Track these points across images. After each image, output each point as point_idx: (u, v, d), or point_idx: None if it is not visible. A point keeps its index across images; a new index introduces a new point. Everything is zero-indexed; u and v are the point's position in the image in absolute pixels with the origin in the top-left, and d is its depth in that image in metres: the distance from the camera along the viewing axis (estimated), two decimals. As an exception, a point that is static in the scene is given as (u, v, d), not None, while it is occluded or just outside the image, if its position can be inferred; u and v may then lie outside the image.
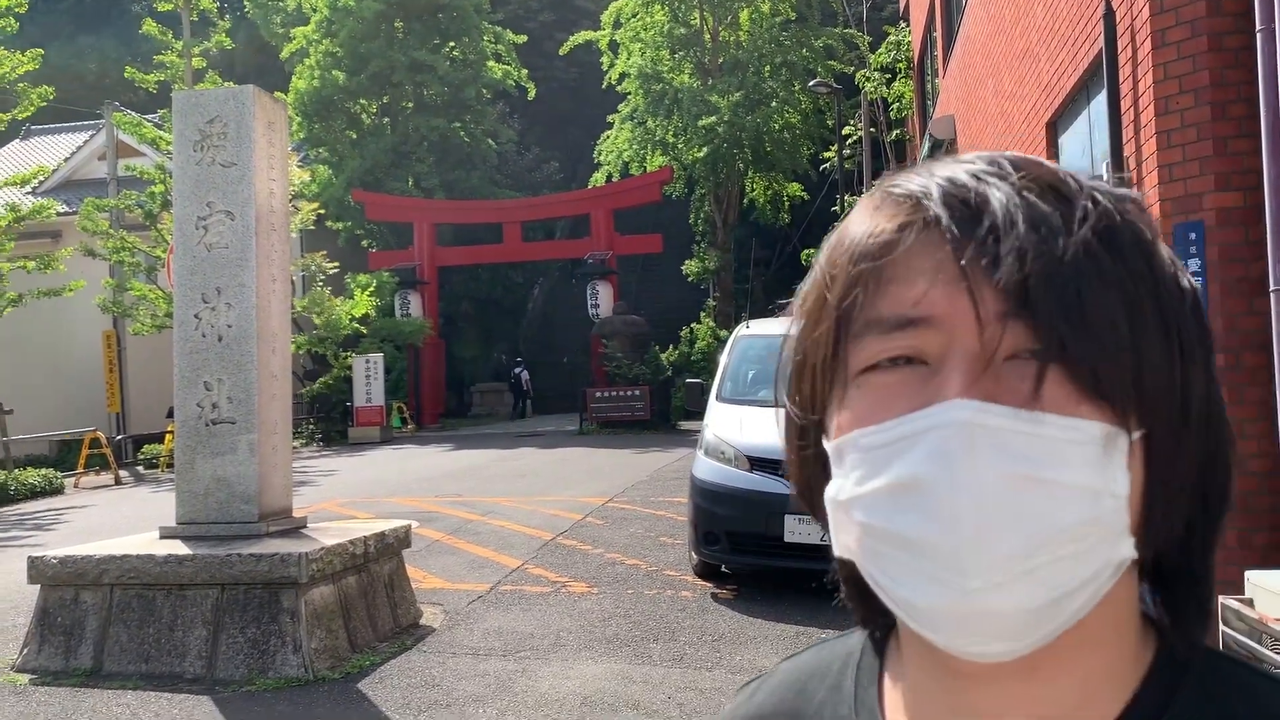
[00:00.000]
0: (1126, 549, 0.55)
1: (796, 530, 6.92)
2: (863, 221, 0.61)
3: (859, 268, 0.59)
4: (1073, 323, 0.53)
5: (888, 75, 21.07)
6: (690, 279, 31.70)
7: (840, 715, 0.68)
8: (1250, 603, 4.48)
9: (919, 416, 0.55)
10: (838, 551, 0.62)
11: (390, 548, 6.85)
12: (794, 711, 0.72)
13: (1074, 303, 0.53)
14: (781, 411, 0.68)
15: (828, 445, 0.61)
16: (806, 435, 0.65)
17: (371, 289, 25.04)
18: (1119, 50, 5.69)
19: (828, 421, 0.62)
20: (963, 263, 0.55)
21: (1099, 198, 0.58)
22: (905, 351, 0.57)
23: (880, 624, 0.69)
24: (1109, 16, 5.71)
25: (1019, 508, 0.52)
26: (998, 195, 0.56)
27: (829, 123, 28.43)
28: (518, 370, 33.71)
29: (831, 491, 0.60)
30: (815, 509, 0.66)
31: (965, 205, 0.56)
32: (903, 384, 0.57)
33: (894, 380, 0.58)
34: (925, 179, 0.60)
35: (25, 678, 5.79)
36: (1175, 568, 0.61)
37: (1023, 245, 0.54)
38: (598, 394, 24.17)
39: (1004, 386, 0.54)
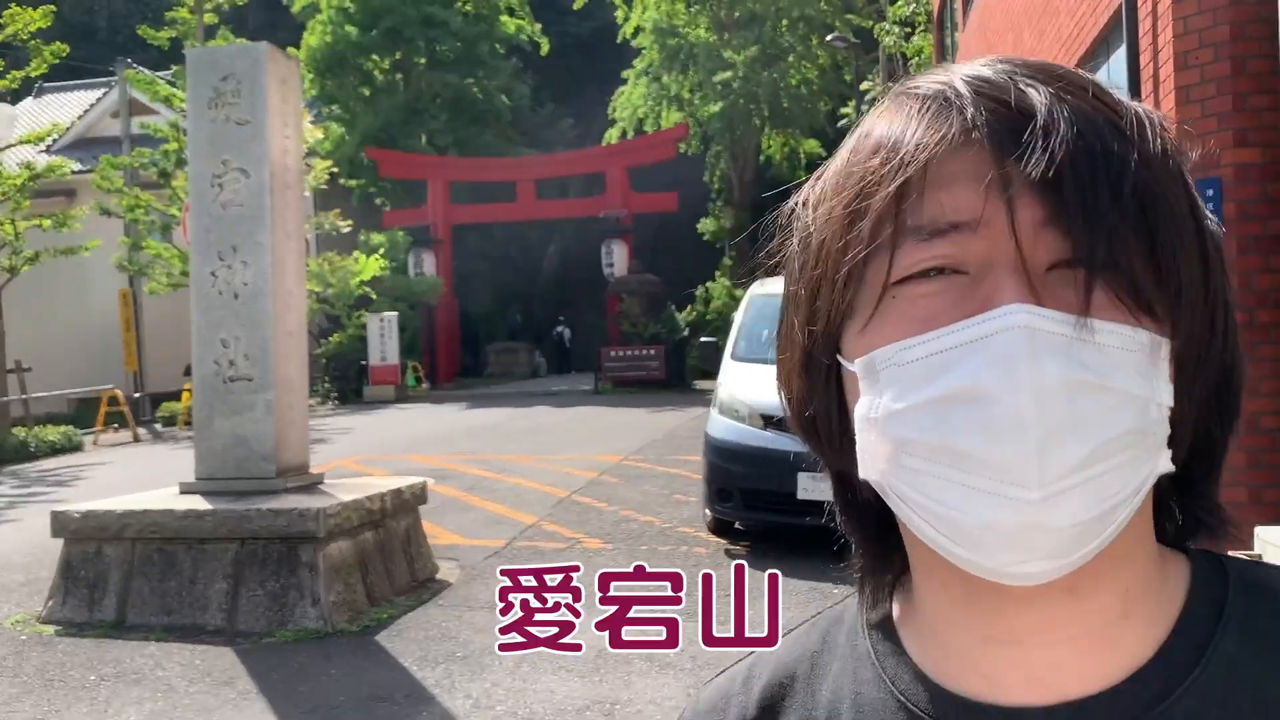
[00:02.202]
0: (1165, 461, 0.55)
1: (810, 487, 6.95)
2: (888, 124, 0.59)
3: (889, 170, 0.56)
4: (1122, 232, 0.53)
5: (906, 29, 20.81)
6: (706, 238, 31.60)
7: (860, 669, 0.65)
8: (1260, 558, 4.50)
9: (973, 323, 0.53)
10: (863, 474, 0.59)
11: (407, 504, 6.92)
12: (805, 677, 0.68)
13: (1124, 211, 0.53)
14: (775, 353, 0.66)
15: (852, 364, 0.59)
16: (814, 360, 0.62)
17: (382, 251, 25.02)
18: (1139, 3, 5.61)
19: (849, 339, 0.59)
20: (1005, 167, 0.53)
21: (1137, 108, 0.57)
22: (944, 260, 0.55)
23: (884, 570, 0.67)
24: (1130, -31, 5.63)
25: (1080, 414, 0.51)
26: (1037, 96, 0.54)
27: (847, 78, 28.17)
28: (560, 329, 33.89)
29: (863, 409, 0.57)
30: (820, 441, 0.64)
31: (1003, 105, 0.55)
32: (943, 294, 0.55)
33: (933, 290, 0.55)
34: (948, 77, 0.58)
35: (51, 629, 5.91)
36: (1182, 482, 0.60)
37: (1071, 148, 0.53)
38: (612, 353, 24.21)
39: (1052, 294, 0.53)
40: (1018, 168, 0.53)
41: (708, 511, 7.82)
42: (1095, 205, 0.52)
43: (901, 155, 0.56)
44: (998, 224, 0.54)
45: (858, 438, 0.58)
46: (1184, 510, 0.62)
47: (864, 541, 0.66)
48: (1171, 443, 0.56)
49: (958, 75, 0.58)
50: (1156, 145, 0.55)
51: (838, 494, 0.66)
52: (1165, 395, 0.54)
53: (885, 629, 0.66)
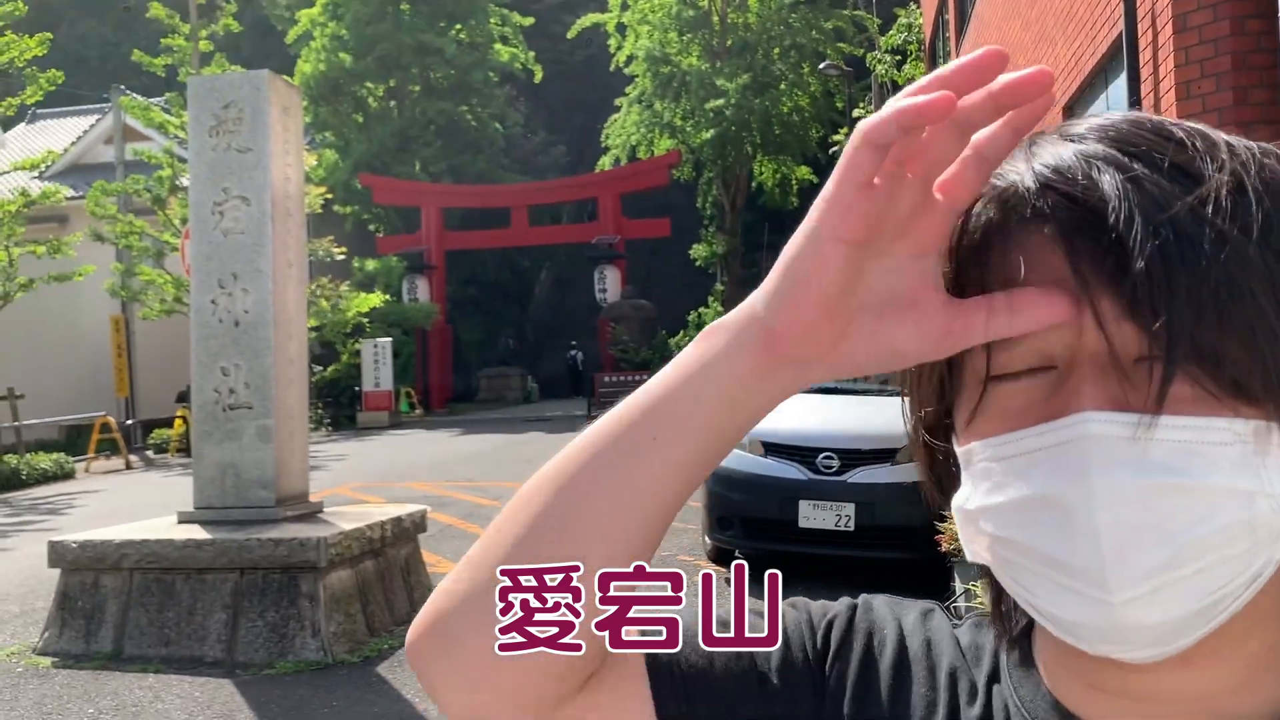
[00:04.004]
0: None
1: (810, 516, 6.93)
2: (970, 218, 0.58)
3: (973, 270, 0.57)
4: (1208, 322, 0.50)
5: (898, 58, 20.94)
6: (698, 264, 31.68)
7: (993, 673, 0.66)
8: None
9: (1048, 430, 0.53)
10: (970, 557, 0.60)
11: (406, 532, 6.88)
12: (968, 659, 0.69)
13: (1208, 300, 0.50)
14: (904, 402, 0.67)
15: (958, 448, 0.60)
16: (936, 433, 0.63)
17: (378, 280, 25.03)
18: (1139, 34, 5.66)
19: (958, 425, 0.60)
20: (1078, 266, 0.52)
21: (1229, 165, 0.53)
22: (1031, 360, 0.55)
23: (1009, 620, 0.67)
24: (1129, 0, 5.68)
25: (1161, 519, 0.50)
26: (1109, 183, 0.52)
27: (838, 105, 28.36)
28: (573, 353, 33.92)
29: (959, 499, 0.59)
30: (945, 505, 0.65)
31: (1071, 199, 0.53)
32: (1033, 390, 0.55)
33: (1024, 386, 0.56)
34: (1024, 165, 0.57)
35: (47, 660, 5.83)
36: None
37: (1141, 242, 0.50)
38: (606, 379, 24.19)
39: (1138, 391, 0.51)
40: (1094, 260, 0.52)
41: (707, 539, 7.78)
42: (1169, 301, 0.50)
43: (977, 252, 0.57)
44: (1078, 320, 0.53)
45: (957, 524, 0.60)
46: None
47: (991, 592, 0.67)
48: None
49: (1033, 163, 0.56)
50: (1243, 216, 0.51)
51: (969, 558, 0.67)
52: (1278, 483, 0.51)
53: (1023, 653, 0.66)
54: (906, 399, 0.66)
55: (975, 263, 0.57)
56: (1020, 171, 0.56)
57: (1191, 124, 0.56)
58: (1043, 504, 0.53)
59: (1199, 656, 0.54)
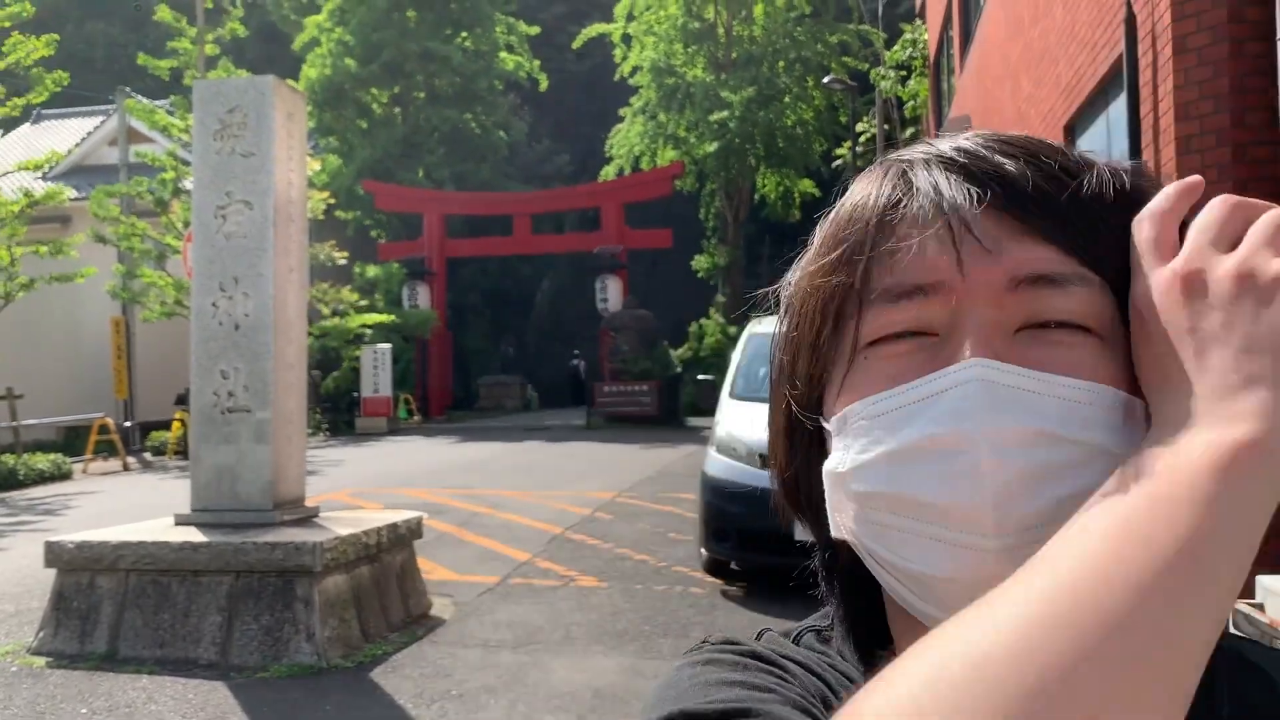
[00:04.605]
0: None
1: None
2: (861, 192, 0.62)
3: (859, 238, 0.59)
4: (1090, 294, 0.53)
5: (902, 73, 21.01)
6: (700, 275, 31.70)
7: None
8: (1261, 607, 4.50)
9: (934, 377, 0.54)
10: (834, 533, 0.59)
11: (402, 538, 6.89)
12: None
13: (1108, 273, 0.54)
14: (766, 407, 0.67)
15: (828, 423, 0.59)
16: (798, 422, 0.62)
17: (382, 294, 25.07)
18: (1139, 54, 5.69)
19: (827, 402, 0.60)
20: (963, 230, 0.55)
21: (1098, 166, 0.58)
22: (913, 324, 0.56)
23: (864, 623, 0.65)
24: (1130, 20, 5.71)
25: (1042, 466, 0.51)
26: (1013, 163, 0.56)
27: (842, 119, 28.41)
28: (575, 361, 33.93)
29: (830, 465, 0.58)
30: (801, 506, 0.65)
31: (962, 171, 0.57)
32: (914, 354, 0.56)
33: (904, 350, 0.57)
34: (924, 149, 0.61)
35: (41, 660, 5.84)
36: None
37: (1029, 207, 0.55)
38: (605, 388, 24.18)
39: (1020, 353, 0.54)
40: (978, 232, 0.55)
41: (703, 551, 7.79)
42: (1059, 266, 0.54)
43: (863, 221, 0.59)
44: (960, 284, 0.55)
45: (826, 494, 0.59)
46: None
47: (848, 616, 0.66)
48: None
49: (925, 147, 0.62)
50: (1121, 207, 0.56)
51: (821, 562, 0.68)
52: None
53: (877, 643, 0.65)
54: (776, 382, 0.65)
55: (874, 229, 0.59)
56: (918, 151, 0.61)
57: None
58: (923, 448, 0.53)
59: None
